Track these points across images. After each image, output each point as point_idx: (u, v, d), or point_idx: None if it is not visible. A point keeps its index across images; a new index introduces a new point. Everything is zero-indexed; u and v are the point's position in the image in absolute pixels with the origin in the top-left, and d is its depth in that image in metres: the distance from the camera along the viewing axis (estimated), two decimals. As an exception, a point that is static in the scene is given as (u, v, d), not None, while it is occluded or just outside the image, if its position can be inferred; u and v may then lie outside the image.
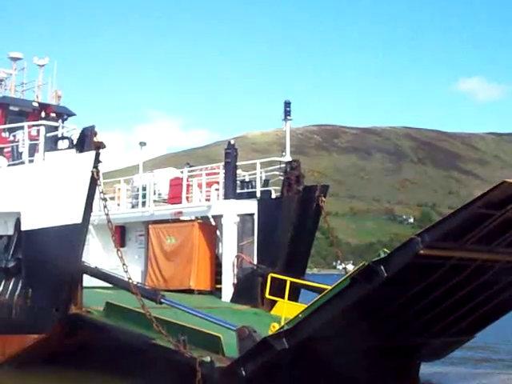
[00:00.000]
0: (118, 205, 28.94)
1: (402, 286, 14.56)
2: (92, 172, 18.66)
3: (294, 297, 22.11)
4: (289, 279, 21.87)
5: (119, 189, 29.45)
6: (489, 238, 14.22)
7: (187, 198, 26.42)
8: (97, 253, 27.63)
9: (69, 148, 19.87)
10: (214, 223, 26.01)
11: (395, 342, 17.04)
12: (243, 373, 15.19)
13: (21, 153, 22.10)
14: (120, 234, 27.23)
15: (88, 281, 20.20)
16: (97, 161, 18.78)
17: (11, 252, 20.79)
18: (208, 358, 15.52)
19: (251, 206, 24.37)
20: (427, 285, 14.85)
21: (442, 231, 13.31)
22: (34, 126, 22.64)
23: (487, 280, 15.73)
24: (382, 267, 13.65)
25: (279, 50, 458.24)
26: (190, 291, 24.92)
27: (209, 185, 26.19)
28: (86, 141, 19.19)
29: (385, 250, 14.00)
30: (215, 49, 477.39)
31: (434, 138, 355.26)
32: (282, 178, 24.23)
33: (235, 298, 23.92)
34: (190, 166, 28.24)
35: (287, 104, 24.89)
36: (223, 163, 25.44)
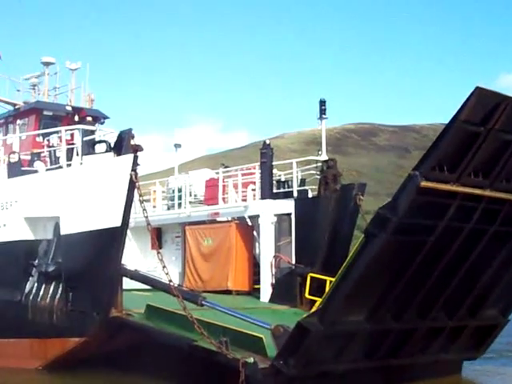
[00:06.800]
0: (154, 207, 28.99)
1: (415, 238, 14.43)
2: (130, 175, 18.63)
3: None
4: (328, 279, 21.74)
5: (154, 191, 29.52)
6: (485, 169, 14.25)
7: (223, 198, 26.42)
8: (133, 255, 27.69)
9: (106, 151, 19.89)
10: (250, 223, 26.01)
11: (425, 323, 16.68)
12: (286, 370, 15.00)
13: (58, 157, 22.24)
14: (156, 236, 27.19)
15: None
16: (135, 164, 18.77)
17: (51, 256, 20.91)
18: (251, 359, 15.33)
19: (288, 206, 24.26)
20: (440, 241, 14.60)
21: (435, 158, 13.49)
22: (70, 130, 22.78)
23: (499, 232, 15.48)
24: (391, 212, 13.81)
25: (316, 49, 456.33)
26: (227, 292, 24.93)
27: (245, 185, 26.17)
28: (124, 144, 19.24)
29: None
30: (254, 50, 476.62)
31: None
32: (318, 177, 24.13)
33: (274, 299, 23.81)
34: (226, 167, 28.21)
35: (322, 103, 24.87)
36: (259, 163, 25.41)
